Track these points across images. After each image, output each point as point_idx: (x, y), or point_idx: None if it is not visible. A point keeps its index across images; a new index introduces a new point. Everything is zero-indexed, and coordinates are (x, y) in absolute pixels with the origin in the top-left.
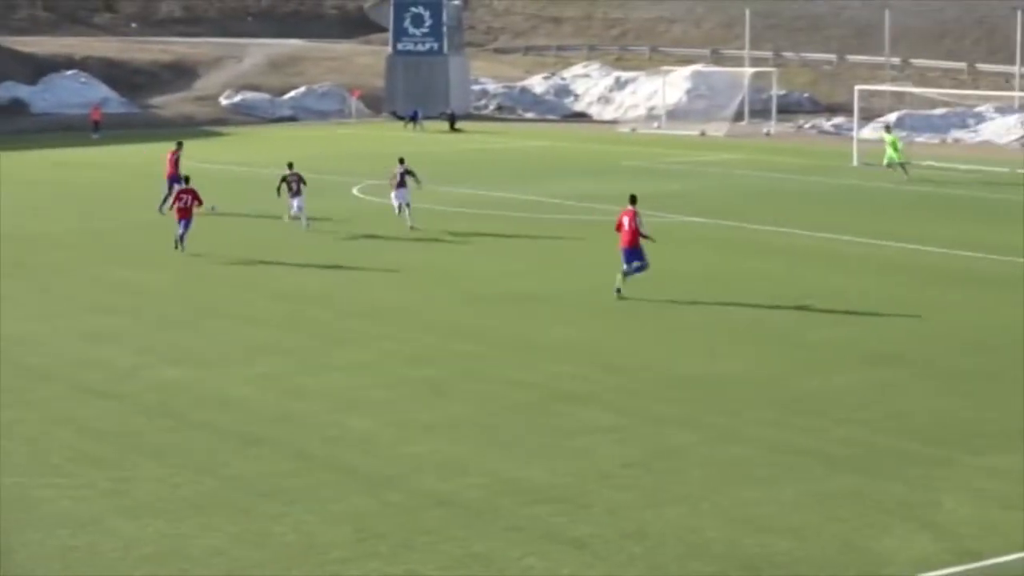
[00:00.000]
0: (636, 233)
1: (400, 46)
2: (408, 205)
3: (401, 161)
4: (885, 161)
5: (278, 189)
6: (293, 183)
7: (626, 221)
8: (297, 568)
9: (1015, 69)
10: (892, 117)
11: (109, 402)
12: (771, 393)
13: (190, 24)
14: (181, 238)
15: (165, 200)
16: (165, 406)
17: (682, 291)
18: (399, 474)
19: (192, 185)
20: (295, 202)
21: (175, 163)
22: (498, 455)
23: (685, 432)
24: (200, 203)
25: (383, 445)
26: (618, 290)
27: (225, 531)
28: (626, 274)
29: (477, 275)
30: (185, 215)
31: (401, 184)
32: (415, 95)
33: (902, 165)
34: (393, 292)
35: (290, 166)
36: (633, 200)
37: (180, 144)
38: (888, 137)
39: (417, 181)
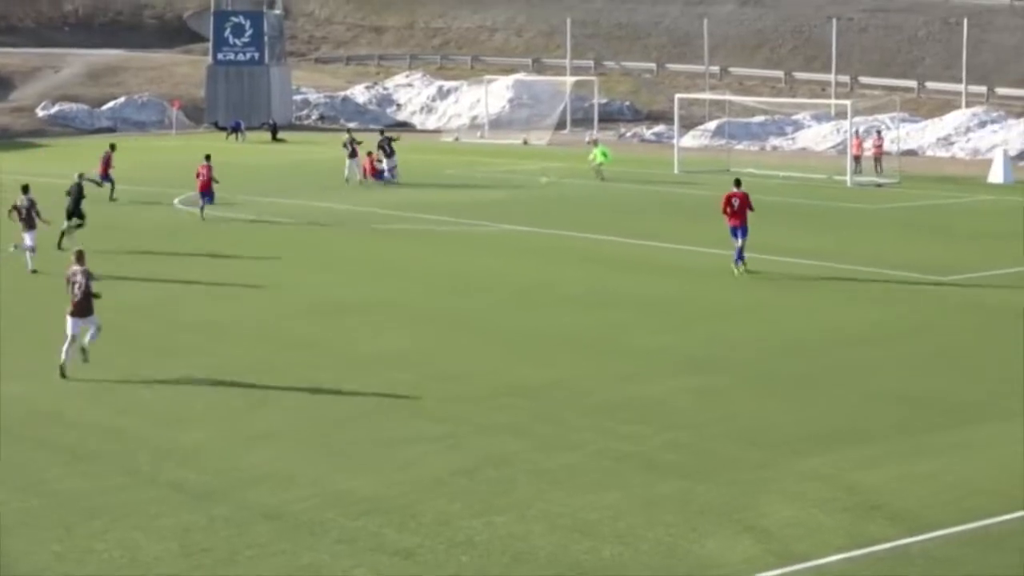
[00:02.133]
0: (744, 212)
1: (221, 56)
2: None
3: (25, 190)
4: (600, 163)
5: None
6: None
7: (736, 203)
8: None
9: (831, 77)
10: (712, 125)
11: None
12: (596, 400)
13: (5, 33)
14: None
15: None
16: None
17: (507, 300)
18: (227, 487)
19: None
20: (27, 236)
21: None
22: (327, 466)
23: (513, 440)
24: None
25: (211, 458)
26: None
27: (49, 549)
28: (739, 253)
29: (305, 285)
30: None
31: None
32: (236, 105)
33: (599, 169)
34: (221, 304)
35: (25, 190)
36: (738, 183)
37: (112, 146)
38: (597, 150)
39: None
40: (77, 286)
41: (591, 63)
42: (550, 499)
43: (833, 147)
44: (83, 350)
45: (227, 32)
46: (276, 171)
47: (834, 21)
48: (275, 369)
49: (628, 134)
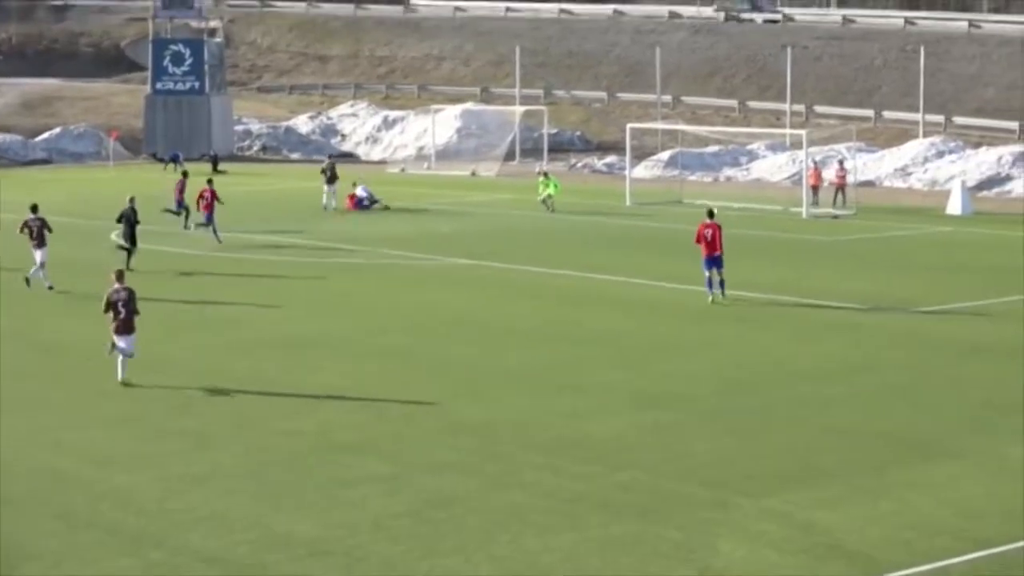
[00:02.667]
0: (720, 243)
1: (160, 85)
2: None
3: (34, 210)
4: (550, 195)
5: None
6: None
7: (709, 234)
8: None
9: (785, 107)
10: (664, 155)
11: None
12: (547, 438)
13: None
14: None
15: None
16: None
17: (453, 335)
18: (164, 531)
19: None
20: (38, 254)
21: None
22: (267, 508)
23: (461, 480)
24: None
25: (148, 501)
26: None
27: None
28: (711, 284)
29: (244, 320)
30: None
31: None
32: (176, 136)
33: (548, 201)
34: (157, 340)
35: (34, 209)
36: (711, 214)
37: (185, 173)
38: (546, 181)
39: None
40: (121, 303)
41: (540, 92)
42: (499, 541)
43: (788, 178)
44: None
45: (166, 61)
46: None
47: (788, 50)
48: (214, 407)
49: (579, 165)
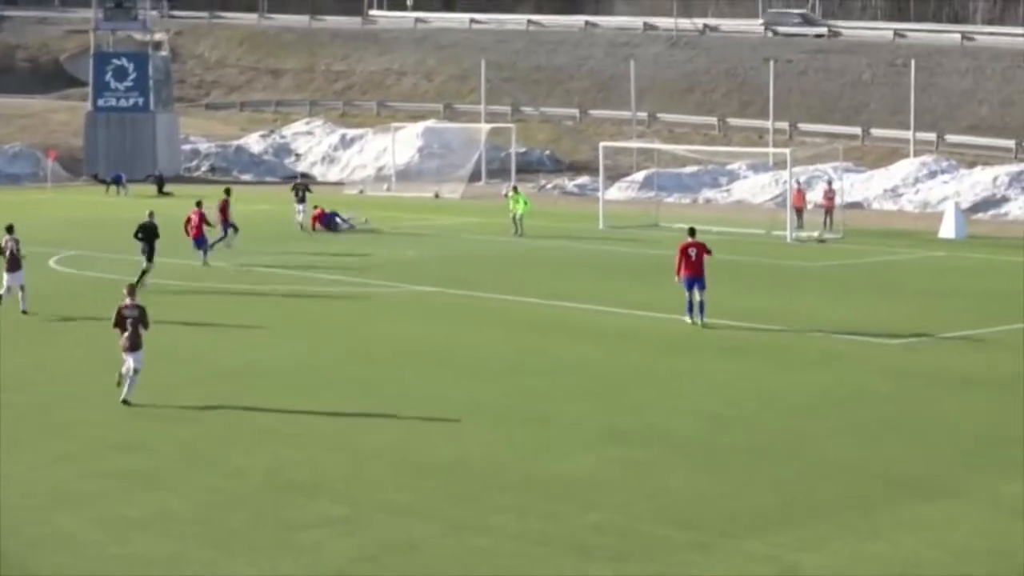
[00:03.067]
0: (701, 262)
1: (101, 102)
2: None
3: (10, 230)
4: (519, 213)
5: None
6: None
7: (693, 253)
8: None
9: (768, 124)
10: (640, 176)
11: None
12: (514, 477)
13: None
14: None
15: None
16: None
17: (413, 366)
18: None
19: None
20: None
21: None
22: (217, 553)
23: (422, 522)
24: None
25: (89, 545)
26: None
27: None
28: (692, 307)
29: (190, 352)
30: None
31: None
32: (119, 156)
33: (519, 219)
34: (97, 373)
35: (9, 229)
36: (693, 232)
37: (228, 190)
38: (519, 196)
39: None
40: (131, 320)
41: (508, 109)
42: None
43: (772, 199)
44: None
45: (108, 76)
46: (166, 229)
47: (771, 63)
48: (159, 444)
49: (549, 186)
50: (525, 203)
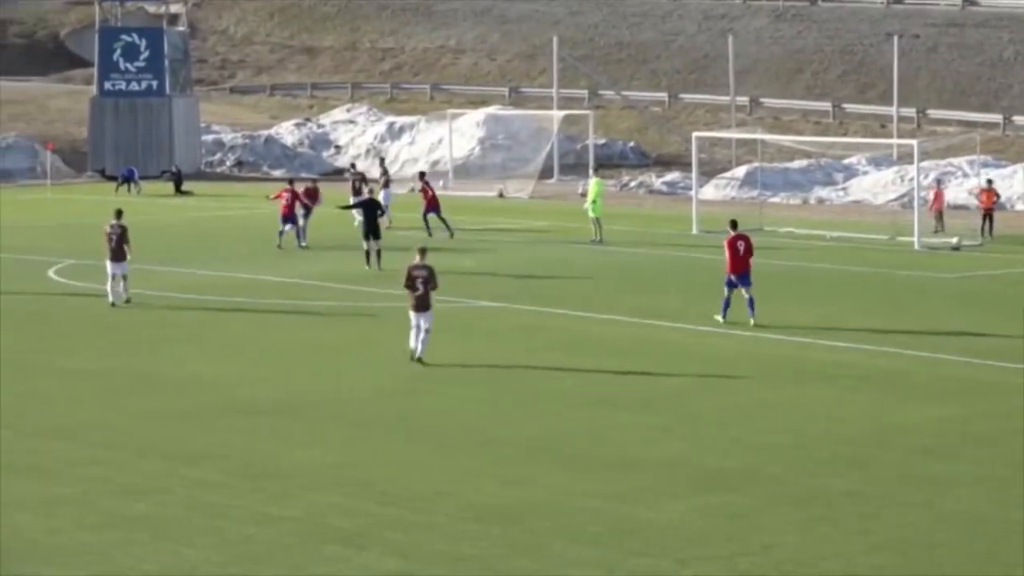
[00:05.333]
0: (750, 258)
1: (109, 85)
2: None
3: (118, 215)
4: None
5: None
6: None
7: (741, 247)
8: None
9: (891, 110)
10: (740, 171)
11: None
12: (592, 525)
13: None
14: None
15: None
16: None
17: (470, 397)
18: None
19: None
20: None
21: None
22: None
23: None
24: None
25: None
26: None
27: None
28: (729, 305)
29: (206, 381)
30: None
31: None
32: (129, 149)
33: (597, 221)
34: (98, 404)
35: (118, 215)
36: (735, 224)
37: (292, 180)
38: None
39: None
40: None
41: (584, 93)
42: None
43: (895, 199)
44: None
45: (116, 54)
46: (183, 233)
47: (895, 39)
48: (169, 487)
49: (633, 184)
50: (595, 202)
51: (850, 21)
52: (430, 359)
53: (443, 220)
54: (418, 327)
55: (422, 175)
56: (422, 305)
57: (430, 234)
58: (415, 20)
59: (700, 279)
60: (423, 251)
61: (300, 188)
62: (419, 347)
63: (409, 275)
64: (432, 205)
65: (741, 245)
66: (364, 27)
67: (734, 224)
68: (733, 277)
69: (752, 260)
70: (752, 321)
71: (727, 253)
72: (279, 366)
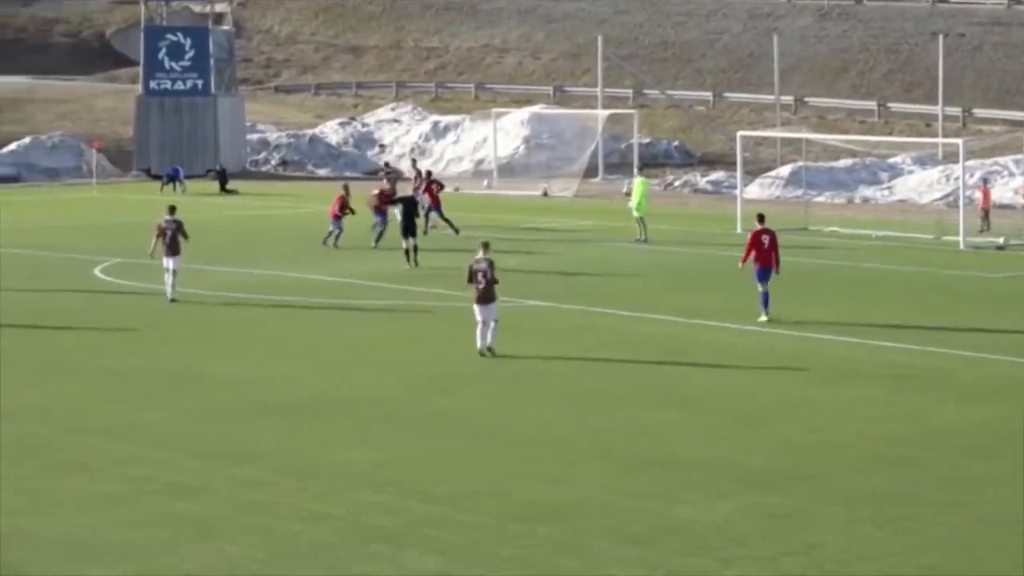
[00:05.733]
0: (774, 252)
1: (154, 84)
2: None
3: (171, 211)
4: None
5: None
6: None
7: (766, 240)
8: None
9: (937, 109)
10: (785, 170)
11: None
12: (636, 525)
13: None
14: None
15: (329, 235)
16: None
17: (514, 397)
18: None
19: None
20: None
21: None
22: None
23: None
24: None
25: None
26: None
27: None
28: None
29: (250, 380)
30: None
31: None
32: (174, 148)
33: (641, 220)
34: (142, 403)
35: (171, 210)
36: (762, 218)
37: (346, 187)
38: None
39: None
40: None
41: (629, 92)
42: None
43: (941, 199)
44: None
45: (162, 54)
46: (228, 232)
47: (940, 38)
48: (214, 486)
49: (677, 183)
50: (640, 201)
51: (895, 20)
52: (477, 359)
53: (447, 220)
54: (484, 322)
55: (428, 173)
56: (485, 298)
57: (456, 231)
58: (459, 19)
59: (745, 279)
60: (486, 245)
61: (375, 190)
62: (489, 338)
63: (470, 270)
64: (436, 203)
65: (766, 239)
66: (408, 26)
67: (761, 218)
68: (757, 272)
69: (775, 256)
70: (766, 317)
71: (749, 244)
72: (318, 363)
